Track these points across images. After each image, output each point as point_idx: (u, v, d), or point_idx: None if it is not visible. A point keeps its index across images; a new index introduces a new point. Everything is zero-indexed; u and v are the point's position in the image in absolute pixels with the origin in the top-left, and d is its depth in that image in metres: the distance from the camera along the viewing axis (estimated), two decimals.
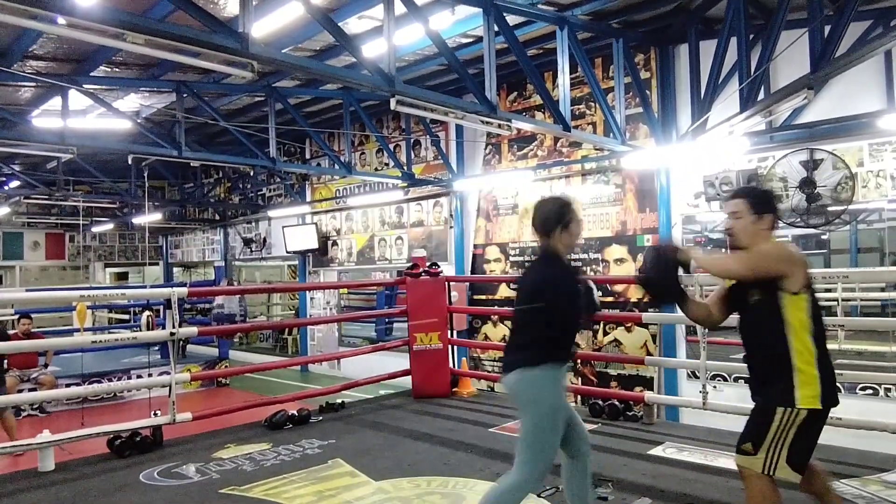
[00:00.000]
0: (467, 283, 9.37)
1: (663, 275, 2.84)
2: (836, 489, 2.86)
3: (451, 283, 7.12)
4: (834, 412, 4.70)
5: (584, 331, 2.48)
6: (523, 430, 2.92)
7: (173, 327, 4.97)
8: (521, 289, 3.00)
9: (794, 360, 2.54)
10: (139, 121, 8.55)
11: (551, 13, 5.99)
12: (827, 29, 4.25)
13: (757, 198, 2.68)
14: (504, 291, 9.09)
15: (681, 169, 7.20)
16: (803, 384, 2.52)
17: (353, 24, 6.37)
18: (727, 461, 4.28)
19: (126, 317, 13.91)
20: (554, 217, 2.91)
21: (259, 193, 14.67)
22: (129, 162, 10.44)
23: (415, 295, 6.65)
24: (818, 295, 2.65)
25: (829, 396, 2.56)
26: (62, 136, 7.04)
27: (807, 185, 6.20)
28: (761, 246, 2.62)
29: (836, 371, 4.92)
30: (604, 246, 7.95)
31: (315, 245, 12.14)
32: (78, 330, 9.92)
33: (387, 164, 10.92)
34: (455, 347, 7.08)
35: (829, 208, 6.18)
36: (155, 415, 5.13)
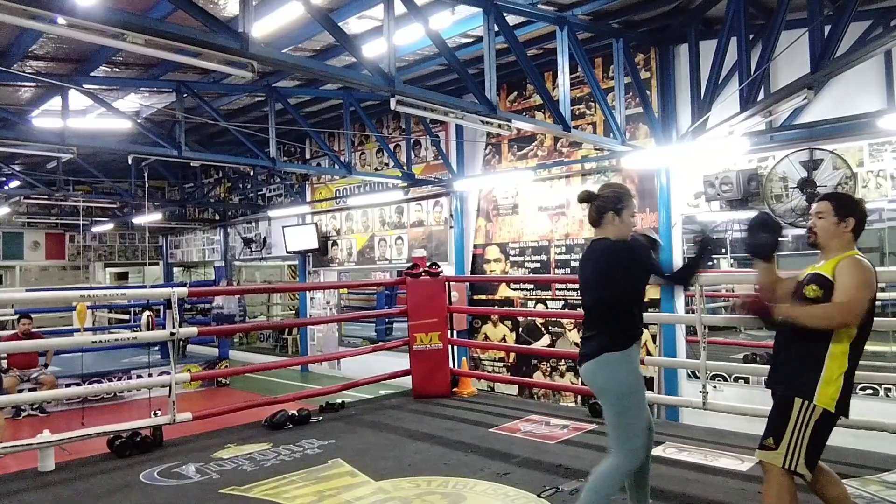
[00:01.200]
0: (467, 283, 9.37)
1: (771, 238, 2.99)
2: (851, 499, 2.86)
3: (451, 283, 7.12)
4: None
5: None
6: (608, 416, 3.04)
7: (173, 327, 4.97)
8: (585, 279, 3.15)
9: (827, 362, 2.61)
10: (139, 121, 8.55)
11: (551, 13, 5.99)
12: (827, 29, 4.25)
13: (841, 201, 2.80)
14: (504, 291, 9.09)
15: (681, 169, 7.20)
16: (826, 383, 2.59)
17: (353, 24, 6.37)
18: (727, 461, 4.28)
19: (126, 317, 13.91)
20: (610, 202, 2.99)
21: (259, 193, 14.67)
22: (129, 162, 10.50)
23: (415, 295, 6.65)
24: (874, 314, 2.68)
25: (844, 405, 2.63)
26: (62, 136, 7.04)
27: (807, 184, 6.20)
28: (853, 281, 2.60)
29: None
30: None
31: (315, 245, 12.15)
32: (78, 330, 9.93)
33: (387, 164, 10.92)
34: (455, 347, 7.08)
35: None
36: (155, 415, 5.13)
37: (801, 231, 7.03)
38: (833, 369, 2.60)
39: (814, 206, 2.85)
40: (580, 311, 8.95)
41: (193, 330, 5.59)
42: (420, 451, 4.70)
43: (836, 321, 2.59)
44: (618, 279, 2.93)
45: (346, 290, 13.03)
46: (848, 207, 2.76)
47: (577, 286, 8.22)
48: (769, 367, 2.91)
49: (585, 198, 3.08)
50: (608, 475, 2.94)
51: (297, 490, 3.91)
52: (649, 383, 7.37)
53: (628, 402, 2.95)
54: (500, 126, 5.59)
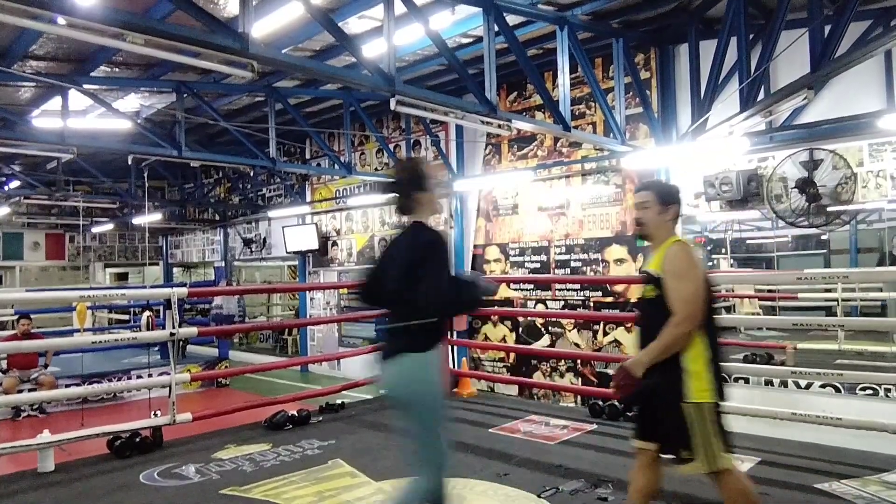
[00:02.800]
0: None
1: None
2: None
3: None
4: (834, 412, 4.72)
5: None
6: (412, 428, 2.75)
7: (173, 327, 4.97)
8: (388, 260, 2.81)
9: (685, 357, 2.62)
10: (139, 121, 8.55)
11: (551, 13, 5.99)
12: (827, 29, 4.25)
13: (662, 190, 2.86)
14: (504, 291, 9.09)
15: (681, 169, 7.19)
16: (694, 379, 2.60)
17: (353, 24, 6.37)
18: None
19: (126, 317, 13.90)
20: (412, 182, 2.74)
21: (259, 193, 14.66)
22: (129, 162, 10.48)
23: None
24: (716, 302, 2.75)
25: (720, 391, 2.65)
26: (62, 137, 7.04)
27: (807, 184, 6.19)
28: (679, 278, 2.64)
29: (837, 371, 4.94)
30: (604, 246, 7.94)
31: (315, 245, 12.14)
32: (78, 330, 9.93)
33: (387, 164, 10.92)
34: (455, 347, 7.08)
35: (829, 208, 6.18)
36: (155, 415, 5.14)
37: (802, 231, 7.04)
38: (695, 363, 2.61)
39: (637, 196, 2.88)
40: (580, 311, 8.97)
41: (193, 330, 5.60)
42: None
43: (687, 330, 2.59)
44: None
45: (346, 291, 12.99)
46: (669, 196, 2.83)
47: (577, 286, 8.29)
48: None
49: (384, 187, 2.91)
50: (411, 497, 2.63)
51: (297, 490, 3.91)
52: None
53: (435, 411, 2.69)
54: (500, 126, 5.59)
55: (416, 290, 2.56)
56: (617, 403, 2.79)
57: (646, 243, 2.90)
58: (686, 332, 2.59)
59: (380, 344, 2.80)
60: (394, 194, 2.78)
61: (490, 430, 5.26)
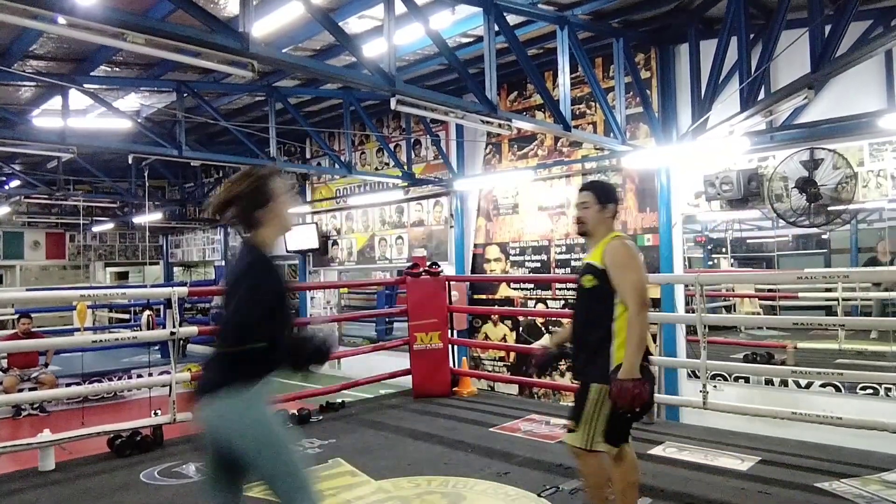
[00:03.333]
0: (467, 283, 9.37)
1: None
2: (611, 495, 2.99)
3: (452, 283, 7.12)
4: (834, 412, 4.72)
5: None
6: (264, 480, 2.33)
7: (174, 327, 4.97)
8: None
9: (614, 343, 2.82)
10: (139, 120, 8.55)
11: (551, 13, 5.99)
12: (827, 29, 4.25)
13: (602, 189, 3.03)
14: (504, 291, 9.09)
15: (681, 168, 7.19)
16: (615, 364, 2.77)
17: (353, 24, 6.36)
18: (727, 460, 4.28)
19: (126, 316, 13.90)
20: (256, 196, 2.33)
21: None
22: (130, 161, 10.50)
23: (415, 295, 6.66)
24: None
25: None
26: (62, 136, 7.04)
27: (808, 184, 6.19)
28: (624, 269, 2.82)
29: (837, 371, 4.95)
30: None
31: (315, 244, 12.14)
32: (78, 329, 9.94)
33: (387, 164, 10.92)
34: (455, 347, 7.09)
35: (830, 208, 6.18)
36: (155, 414, 5.14)
37: (802, 231, 7.04)
38: (620, 351, 2.79)
39: (578, 197, 3.04)
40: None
41: (193, 329, 5.59)
42: (420, 450, 4.71)
43: (646, 315, 2.81)
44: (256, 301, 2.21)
45: (346, 290, 13.01)
46: (608, 195, 3.00)
47: (577, 286, 8.27)
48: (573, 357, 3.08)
49: (218, 208, 2.38)
50: None
51: None
52: None
53: (279, 455, 2.26)
54: (500, 126, 5.59)
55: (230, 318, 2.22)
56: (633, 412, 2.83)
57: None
58: (646, 316, 2.78)
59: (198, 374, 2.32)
60: (232, 211, 2.34)
61: (490, 429, 5.26)
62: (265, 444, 2.23)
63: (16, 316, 9.69)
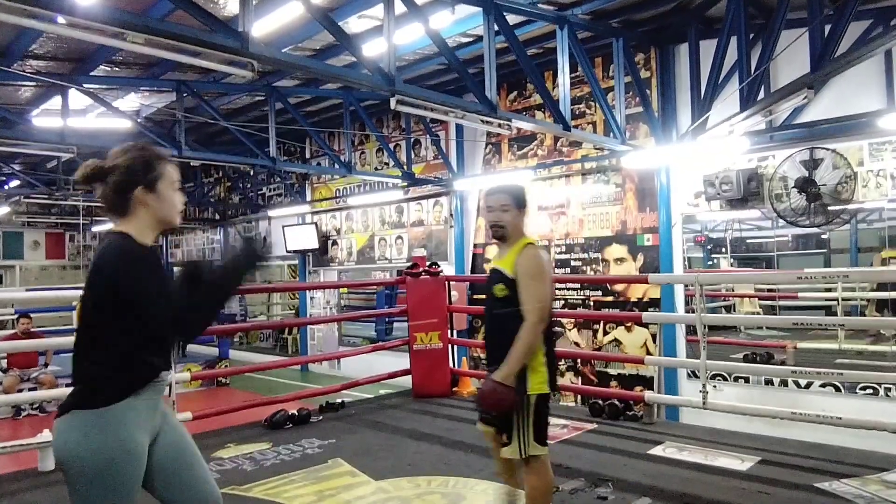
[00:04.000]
0: (467, 283, 9.37)
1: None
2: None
3: (451, 283, 7.12)
4: (834, 412, 4.73)
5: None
6: None
7: None
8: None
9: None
10: (139, 120, 8.55)
11: (551, 12, 5.99)
12: (827, 28, 4.25)
13: (517, 193, 3.01)
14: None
15: (681, 168, 7.19)
16: (533, 373, 2.79)
17: (353, 24, 6.36)
18: (727, 461, 4.28)
19: None
20: (134, 172, 2.03)
21: (259, 193, 14.66)
22: None
23: (415, 295, 6.65)
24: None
25: (553, 383, 2.87)
26: (62, 136, 7.04)
27: (807, 184, 6.19)
28: (531, 279, 2.82)
29: (837, 371, 4.97)
30: (604, 246, 7.95)
31: (315, 245, 12.14)
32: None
33: (387, 164, 10.92)
34: (455, 347, 7.08)
35: (830, 207, 6.18)
36: None
37: (802, 231, 7.04)
38: (534, 359, 2.80)
39: (494, 199, 2.99)
40: (580, 310, 8.95)
41: None
42: (420, 450, 4.70)
43: (542, 329, 2.79)
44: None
45: (346, 290, 13.02)
46: (522, 199, 2.99)
47: (576, 286, 8.28)
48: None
49: (90, 175, 2.01)
50: None
51: (297, 490, 3.91)
52: (649, 383, 7.37)
53: (100, 489, 1.91)
54: (500, 125, 5.58)
55: (91, 331, 1.93)
56: (484, 419, 2.89)
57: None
58: (539, 331, 2.78)
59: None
60: (104, 186, 2.00)
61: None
62: (95, 482, 1.89)
63: (15, 316, 9.69)
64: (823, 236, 7.45)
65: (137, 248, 1.95)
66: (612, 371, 7.77)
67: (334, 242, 12.28)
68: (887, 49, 5.19)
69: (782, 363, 6.67)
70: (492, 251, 9.28)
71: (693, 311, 5.95)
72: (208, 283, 2.00)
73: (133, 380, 1.93)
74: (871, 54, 4.04)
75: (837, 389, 6.03)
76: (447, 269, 8.64)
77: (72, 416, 1.88)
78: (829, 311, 7.13)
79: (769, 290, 7.92)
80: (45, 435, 4.49)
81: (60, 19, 3.23)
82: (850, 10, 4.03)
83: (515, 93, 8.94)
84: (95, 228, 16.86)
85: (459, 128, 9.42)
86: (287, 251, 12.82)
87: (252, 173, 14.28)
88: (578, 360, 8.20)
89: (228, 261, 2.05)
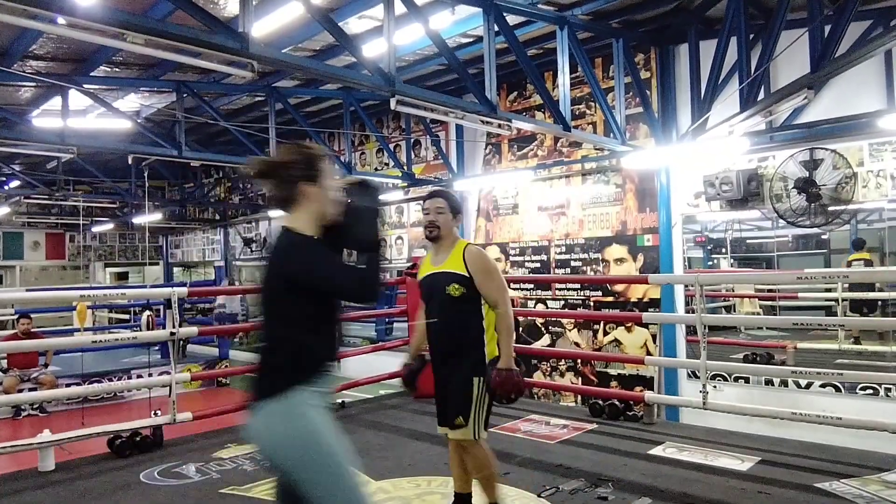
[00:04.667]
0: None
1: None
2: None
3: None
4: (834, 412, 4.73)
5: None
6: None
7: (173, 327, 4.97)
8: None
9: (486, 339, 3.14)
10: (139, 121, 8.54)
11: (551, 13, 5.98)
12: (827, 29, 4.25)
13: (452, 198, 3.26)
14: None
15: (681, 169, 7.19)
16: (489, 356, 3.11)
17: (353, 24, 6.36)
18: (727, 461, 4.28)
19: (126, 317, 13.91)
20: (300, 167, 2.16)
21: (259, 193, 14.66)
22: (129, 162, 10.45)
23: (415, 295, 6.64)
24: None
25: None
26: (62, 136, 7.04)
27: (808, 184, 6.19)
28: (491, 272, 3.14)
29: (837, 371, 4.99)
30: (604, 246, 7.95)
31: None
32: (78, 330, 9.93)
33: (387, 164, 10.92)
34: None
35: (830, 208, 6.18)
36: (155, 414, 5.14)
37: (802, 231, 7.04)
38: (491, 343, 3.13)
39: (430, 202, 3.21)
40: (580, 310, 8.94)
41: (193, 330, 5.60)
42: (420, 451, 4.71)
43: (512, 313, 3.15)
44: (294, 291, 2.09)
45: None
46: (458, 206, 3.25)
47: (577, 286, 8.28)
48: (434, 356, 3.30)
49: (263, 171, 2.20)
50: None
51: None
52: (649, 383, 7.37)
53: (326, 469, 2.04)
54: (500, 126, 5.58)
55: (278, 317, 2.11)
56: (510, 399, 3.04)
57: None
58: (511, 315, 3.12)
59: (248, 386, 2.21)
60: (273, 181, 2.19)
61: (490, 429, 5.24)
62: (312, 464, 2.02)
63: (15, 316, 9.69)
64: (823, 237, 7.45)
65: (308, 237, 2.15)
66: (612, 371, 7.76)
67: None
68: (887, 49, 5.19)
69: (782, 363, 6.66)
70: (492, 251, 9.28)
71: (693, 312, 5.94)
72: (357, 246, 2.20)
73: (317, 365, 2.12)
74: (871, 54, 4.04)
75: (837, 390, 6.03)
76: None
77: (268, 410, 2.05)
78: (830, 311, 7.13)
79: (769, 291, 7.92)
80: (45, 435, 4.50)
81: (60, 20, 3.22)
82: (850, 10, 4.03)
83: (515, 93, 8.94)
84: (95, 229, 16.87)
85: (459, 128, 9.42)
86: None
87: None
88: (578, 361, 8.20)
89: (356, 218, 2.21)
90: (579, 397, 7.53)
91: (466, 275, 3.07)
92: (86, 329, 9.59)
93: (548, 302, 8.57)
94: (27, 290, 12.56)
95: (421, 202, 3.46)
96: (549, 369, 8.47)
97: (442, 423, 3.21)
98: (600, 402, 5.71)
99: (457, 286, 3.07)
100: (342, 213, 2.22)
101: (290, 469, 2.03)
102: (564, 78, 5.96)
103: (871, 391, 5.87)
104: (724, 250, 8.43)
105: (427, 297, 3.26)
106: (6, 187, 13.68)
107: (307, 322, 2.08)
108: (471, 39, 7.12)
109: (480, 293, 3.10)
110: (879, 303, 6.78)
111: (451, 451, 3.30)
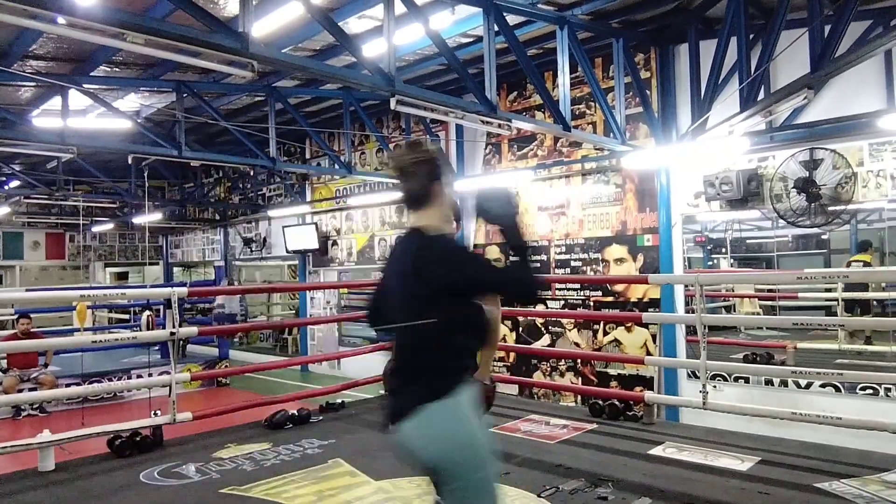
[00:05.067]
0: None
1: None
2: None
3: None
4: (834, 412, 4.73)
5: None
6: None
7: (173, 327, 4.97)
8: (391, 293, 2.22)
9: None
10: (139, 120, 8.54)
11: (551, 13, 5.98)
12: (827, 29, 4.25)
13: (454, 206, 3.13)
14: None
15: (681, 169, 7.19)
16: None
17: (353, 24, 6.36)
18: (727, 461, 4.28)
19: (126, 317, 13.90)
20: (437, 166, 2.15)
21: (259, 193, 14.66)
22: (129, 162, 10.48)
23: None
24: None
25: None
26: (62, 136, 7.04)
27: (808, 184, 6.19)
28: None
29: (837, 371, 5.01)
30: (604, 246, 7.95)
31: (315, 245, 12.14)
32: (78, 330, 9.92)
33: (387, 164, 10.92)
34: None
35: (830, 208, 6.18)
36: (155, 414, 5.13)
37: (801, 231, 7.04)
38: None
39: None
40: (580, 310, 8.93)
41: (193, 330, 5.60)
42: None
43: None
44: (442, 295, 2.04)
45: (346, 290, 13.01)
46: (458, 211, 3.02)
47: (577, 286, 8.27)
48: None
49: (404, 168, 2.16)
50: None
51: (297, 490, 3.91)
52: (649, 383, 7.37)
53: (478, 469, 2.04)
54: (500, 126, 5.58)
55: (427, 318, 2.02)
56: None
57: None
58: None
59: (387, 398, 2.19)
60: (411, 179, 2.14)
61: (490, 429, 5.26)
62: (468, 470, 2.02)
63: (15, 316, 9.68)
64: (823, 237, 7.45)
65: (448, 237, 2.12)
66: (612, 371, 7.76)
67: (334, 243, 12.28)
68: (887, 49, 5.19)
69: (782, 363, 6.66)
70: (492, 252, 9.28)
71: (693, 312, 5.94)
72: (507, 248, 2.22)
73: (466, 366, 2.10)
74: (871, 54, 4.04)
75: (837, 389, 6.03)
76: None
77: (424, 415, 1.99)
78: (830, 311, 7.13)
79: (769, 291, 7.92)
80: (45, 435, 4.50)
81: (60, 20, 3.22)
82: (850, 10, 4.03)
83: (515, 93, 8.94)
84: (95, 229, 16.86)
85: (459, 128, 9.42)
86: (287, 251, 12.83)
87: (252, 173, 14.29)
88: (578, 361, 8.20)
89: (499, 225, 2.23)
90: (579, 397, 7.53)
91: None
92: (86, 329, 9.58)
93: (548, 302, 8.57)
94: (27, 290, 12.55)
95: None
96: (549, 369, 8.47)
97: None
98: (600, 402, 5.71)
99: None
100: (484, 220, 2.26)
101: (449, 469, 2.04)
102: (564, 78, 5.96)
103: (871, 391, 5.87)
104: (724, 250, 8.43)
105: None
106: (6, 187, 13.67)
107: (461, 323, 2.07)
108: (471, 39, 7.12)
109: None
110: (874, 303, 6.79)
111: None
